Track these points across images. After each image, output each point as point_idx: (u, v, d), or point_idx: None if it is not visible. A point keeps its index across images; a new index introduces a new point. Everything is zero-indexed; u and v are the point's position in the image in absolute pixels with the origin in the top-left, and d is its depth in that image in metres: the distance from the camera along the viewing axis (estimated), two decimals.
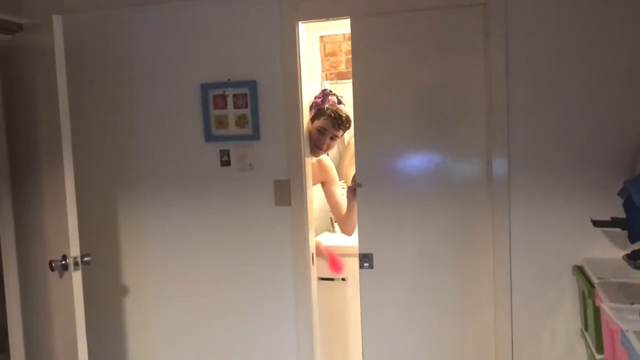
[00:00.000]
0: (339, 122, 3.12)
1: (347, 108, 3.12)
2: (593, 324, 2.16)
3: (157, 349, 3.09)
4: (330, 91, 3.74)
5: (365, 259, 2.74)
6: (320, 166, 3.34)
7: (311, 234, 2.88)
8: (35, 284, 2.80)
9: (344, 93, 3.42)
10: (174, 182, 2.97)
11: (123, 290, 3.10)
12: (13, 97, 2.86)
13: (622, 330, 1.66)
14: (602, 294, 1.94)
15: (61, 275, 2.51)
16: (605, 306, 1.80)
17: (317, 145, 3.09)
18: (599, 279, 2.11)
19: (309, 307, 2.84)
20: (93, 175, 3.05)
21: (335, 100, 3.80)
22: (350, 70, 2.73)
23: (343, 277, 3.59)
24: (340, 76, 3.96)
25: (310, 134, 2.99)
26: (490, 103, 2.53)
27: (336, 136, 3.16)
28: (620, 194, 2.27)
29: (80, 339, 2.48)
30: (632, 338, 1.55)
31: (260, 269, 2.89)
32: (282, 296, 2.87)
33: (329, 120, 3.09)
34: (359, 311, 2.81)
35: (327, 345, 3.35)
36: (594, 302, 2.11)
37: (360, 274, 2.76)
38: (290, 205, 2.81)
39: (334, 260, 3.33)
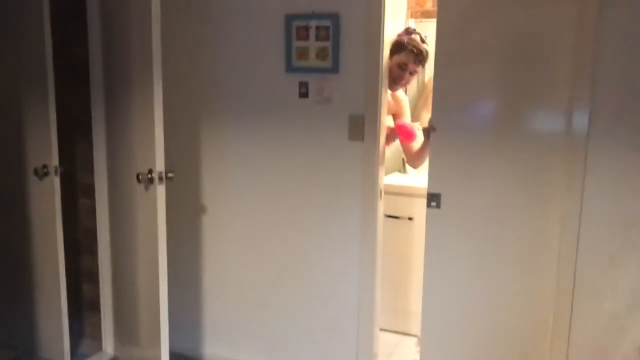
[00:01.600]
0: (420, 57, 3.13)
1: (430, 48, 3.10)
2: None
3: (229, 263, 3.30)
4: (414, 29, 3.70)
5: (433, 199, 2.77)
6: (395, 99, 3.38)
7: (381, 171, 2.94)
8: (123, 194, 3.04)
9: (428, 32, 3.37)
10: (254, 110, 3.08)
11: (201, 209, 3.30)
12: (109, 14, 3.02)
13: None
14: None
15: (147, 188, 2.71)
16: None
17: (395, 80, 3.12)
18: None
19: (374, 245, 2.92)
20: (180, 98, 3.20)
21: (419, 39, 3.76)
22: (436, 8, 2.69)
23: (410, 216, 3.67)
24: (426, 14, 3.89)
25: (390, 68, 3.00)
26: (577, 53, 2.44)
27: (415, 71, 3.19)
28: None
29: (160, 248, 2.70)
30: None
31: (329, 201, 2.99)
32: (349, 231, 2.97)
33: (410, 55, 3.11)
34: (423, 253, 2.85)
35: (389, 284, 3.46)
36: None
37: (427, 213, 2.79)
38: (363, 140, 2.87)
39: (402, 128, 3.31)
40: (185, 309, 3.40)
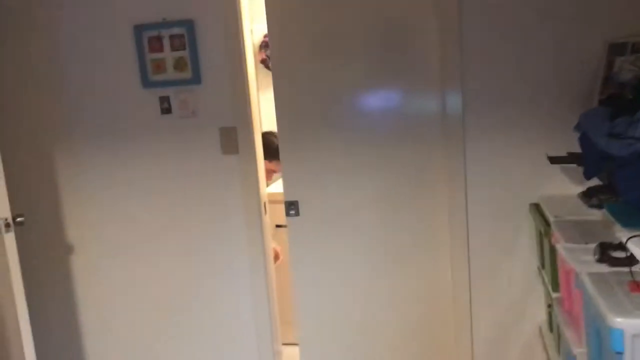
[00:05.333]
0: None
1: None
2: (549, 262, 2.11)
3: (108, 305, 2.96)
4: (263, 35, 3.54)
5: (291, 207, 2.64)
6: None
7: (262, 184, 2.76)
8: None
9: None
10: (113, 133, 2.77)
11: (68, 249, 2.94)
12: None
13: (576, 272, 1.60)
14: (558, 232, 1.88)
15: None
16: (560, 247, 1.73)
17: None
18: (555, 217, 2.04)
19: (262, 258, 2.75)
20: (22, 129, 2.83)
21: None
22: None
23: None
24: None
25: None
26: (442, 34, 2.39)
27: None
28: (576, 128, 2.19)
29: (19, 303, 2.35)
30: (586, 280, 1.48)
31: (210, 219, 2.76)
32: (234, 245, 2.76)
33: None
34: None
35: (288, 296, 3.29)
36: (550, 240, 2.05)
37: (288, 222, 2.67)
38: (238, 153, 2.66)
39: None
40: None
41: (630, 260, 1.53)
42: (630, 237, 1.36)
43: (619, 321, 1.25)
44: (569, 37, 2.29)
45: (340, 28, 2.49)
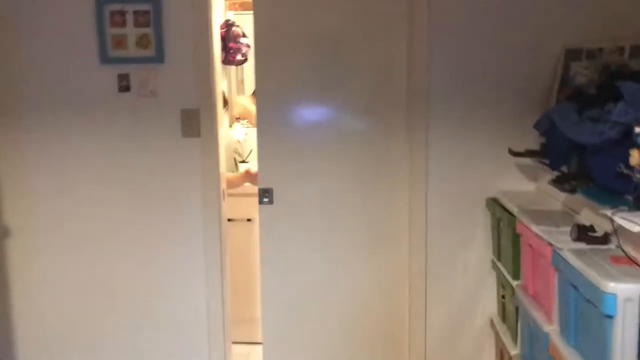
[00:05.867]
0: None
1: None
2: (510, 252, 2.20)
3: (45, 299, 2.76)
4: (234, 22, 3.53)
5: (265, 194, 2.62)
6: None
7: (222, 168, 2.69)
8: None
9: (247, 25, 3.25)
10: (64, 109, 2.61)
11: (3, 233, 2.72)
12: None
13: (554, 250, 1.68)
14: (527, 219, 1.96)
15: None
16: (536, 229, 1.81)
17: None
18: (518, 206, 2.14)
19: (219, 248, 2.67)
20: None
21: (240, 33, 3.58)
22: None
23: (249, 217, 3.45)
24: (245, 6, 3.71)
25: None
26: (410, 28, 2.47)
27: None
28: (537, 126, 2.31)
29: None
30: (569, 255, 1.56)
31: (165, 206, 2.65)
32: (191, 236, 2.66)
33: None
34: None
35: (232, 292, 3.22)
36: (513, 230, 2.14)
37: (260, 209, 2.64)
38: (199, 136, 2.59)
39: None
40: None
41: (605, 238, 1.63)
42: (615, 212, 1.44)
43: (612, 286, 1.32)
44: (530, 40, 2.42)
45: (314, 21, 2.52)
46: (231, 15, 3.69)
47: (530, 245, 1.96)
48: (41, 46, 2.59)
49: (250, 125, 3.82)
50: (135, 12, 2.52)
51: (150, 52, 2.54)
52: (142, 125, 2.61)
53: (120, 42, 2.55)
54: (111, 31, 2.54)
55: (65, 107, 2.61)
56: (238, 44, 3.56)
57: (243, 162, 3.72)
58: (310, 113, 2.61)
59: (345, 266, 2.67)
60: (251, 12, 2.57)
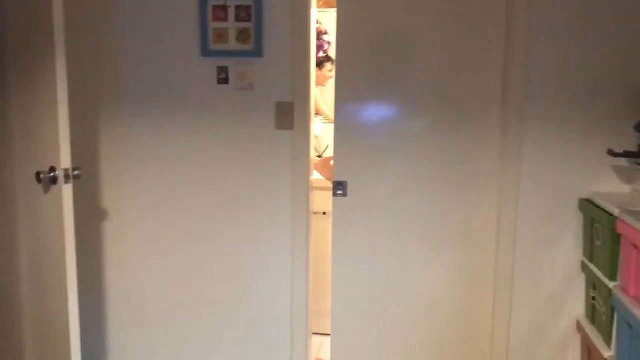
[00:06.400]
0: None
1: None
2: (608, 253, 2.19)
3: (135, 281, 2.90)
4: (317, 19, 3.61)
5: (339, 187, 2.68)
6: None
7: (312, 162, 2.77)
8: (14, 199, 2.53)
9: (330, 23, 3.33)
10: (165, 99, 2.74)
11: (102, 214, 2.87)
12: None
13: None
14: (632, 220, 1.95)
15: (47, 190, 2.27)
16: None
17: None
18: (619, 207, 2.13)
19: (305, 241, 2.74)
20: (74, 85, 2.75)
21: (323, 30, 3.65)
22: None
23: (324, 211, 3.52)
24: (329, 4, 3.78)
25: None
26: (508, 19, 2.48)
27: None
28: (637, 127, 2.30)
29: (69, 256, 2.27)
30: None
31: (255, 197, 2.74)
32: (279, 228, 2.75)
33: None
34: None
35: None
36: (612, 230, 2.13)
37: (334, 202, 2.70)
38: (293, 129, 2.67)
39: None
40: (89, 329, 2.93)
41: None
42: None
43: None
44: (630, 40, 2.40)
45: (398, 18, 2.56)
46: (314, 13, 3.76)
47: (635, 246, 1.96)
48: (147, 42, 2.72)
49: (326, 122, 3.89)
50: (237, 7, 2.62)
51: (249, 46, 2.63)
52: (239, 116, 2.70)
53: (221, 35, 2.65)
54: (213, 25, 2.65)
55: (166, 98, 2.74)
56: (320, 40, 3.64)
57: (319, 157, 3.80)
58: (389, 111, 2.64)
59: (424, 262, 2.70)
60: (334, 9, 2.63)
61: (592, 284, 2.41)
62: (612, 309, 2.16)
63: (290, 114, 2.66)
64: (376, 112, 2.65)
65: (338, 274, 2.75)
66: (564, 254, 2.57)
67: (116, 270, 2.91)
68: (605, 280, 2.22)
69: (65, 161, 2.23)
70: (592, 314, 2.44)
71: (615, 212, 2.13)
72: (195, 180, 2.78)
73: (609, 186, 2.50)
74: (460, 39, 2.55)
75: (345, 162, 2.67)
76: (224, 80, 2.68)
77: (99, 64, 2.77)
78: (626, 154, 2.33)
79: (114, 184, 2.85)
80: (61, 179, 2.21)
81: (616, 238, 2.14)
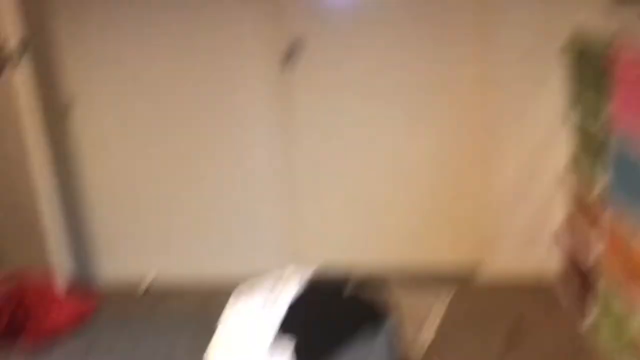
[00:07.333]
0: None
1: None
2: (597, 86, 2.13)
3: (112, 165, 2.75)
4: None
5: None
6: None
7: None
8: None
9: None
10: None
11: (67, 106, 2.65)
12: None
13: None
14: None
15: None
16: None
17: None
18: (612, 34, 2.05)
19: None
20: None
21: None
22: None
23: None
24: None
25: None
26: None
27: None
28: None
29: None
30: None
31: (234, 67, 2.58)
32: (265, 102, 2.63)
33: None
34: None
35: None
36: (600, 64, 2.05)
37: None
38: None
39: None
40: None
41: None
42: None
43: None
44: None
45: None
46: None
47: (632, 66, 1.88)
48: None
49: None
50: None
51: None
52: None
53: None
54: None
55: None
56: None
57: None
58: None
59: (410, 110, 2.63)
60: None
61: (582, 121, 2.36)
62: (599, 149, 2.13)
63: None
64: None
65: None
66: (550, 101, 2.49)
67: (92, 161, 2.76)
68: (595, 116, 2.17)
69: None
70: (581, 154, 2.41)
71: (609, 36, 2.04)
72: (175, 50, 2.60)
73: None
74: None
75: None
76: None
77: None
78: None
79: (81, 60, 2.63)
80: None
81: (603, 72, 2.06)
